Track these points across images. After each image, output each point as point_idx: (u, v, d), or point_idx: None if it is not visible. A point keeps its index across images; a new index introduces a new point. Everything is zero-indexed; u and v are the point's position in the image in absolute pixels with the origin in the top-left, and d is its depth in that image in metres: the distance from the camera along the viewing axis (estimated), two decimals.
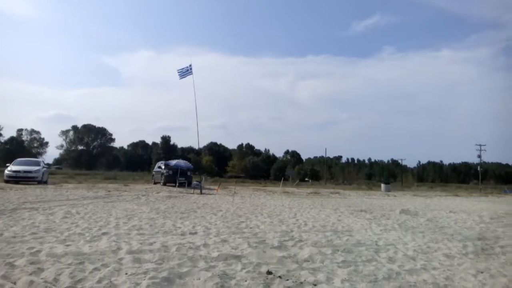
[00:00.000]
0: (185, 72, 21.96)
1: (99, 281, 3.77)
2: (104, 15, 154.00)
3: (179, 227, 7.51)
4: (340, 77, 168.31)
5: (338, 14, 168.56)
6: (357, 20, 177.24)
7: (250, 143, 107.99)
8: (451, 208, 16.08)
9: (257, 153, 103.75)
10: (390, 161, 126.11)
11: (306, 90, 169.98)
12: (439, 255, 5.82)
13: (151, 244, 5.68)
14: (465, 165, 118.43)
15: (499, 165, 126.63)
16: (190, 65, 21.96)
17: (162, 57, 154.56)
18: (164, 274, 4.09)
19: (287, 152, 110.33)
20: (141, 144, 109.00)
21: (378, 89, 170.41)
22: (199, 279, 4.02)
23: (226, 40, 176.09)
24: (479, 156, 64.33)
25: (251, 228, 7.90)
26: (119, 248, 5.25)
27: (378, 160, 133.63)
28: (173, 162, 25.31)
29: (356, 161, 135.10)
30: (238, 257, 5.06)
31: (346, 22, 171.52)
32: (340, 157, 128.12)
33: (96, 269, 4.21)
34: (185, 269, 4.33)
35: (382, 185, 37.78)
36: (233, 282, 3.99)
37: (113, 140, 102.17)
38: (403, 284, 4.19)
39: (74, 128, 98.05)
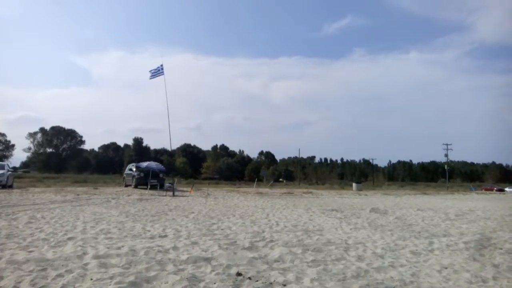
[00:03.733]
0: (156, 72, 21.51)
1: None
2: (73, 13, 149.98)
3: (149, 231, 7.37)
4: (312, 78, 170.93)
5: (310, 15, 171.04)
6: (329, 22, 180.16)
7: (225, 144, 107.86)
8: (419, 206, 16.55)
9: (232, 154, 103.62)
10: (362, 161, 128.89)
11: (280, 91, 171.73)
12: (406, 252, 5.96)
13: (118, 248, 5.55)
14: (433, 164, 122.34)
15: (464, 163, 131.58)
16: (161, 66, 21.49)
17: (133, 57, 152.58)
18: (131, 278, 3.99)
19: (261, 153, 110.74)
20: (113, 146, 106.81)
21: (349, 90, 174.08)
22: (167, 282, 3.95)
23: (198, 40, 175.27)
24: (446, 155, 66.78)
25: (222, 229, 7.85)
26: (85, 253, 5.09)
27: (350, 160, 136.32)
28: (145, 164, 24.81)
29: (329, 161, 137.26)
30: (207, 259, 5.01)
31: (318, 24, 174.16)
32: (314, 157, 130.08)
33: (59, 275, 4.06)
34: (153, 273, 4.24)
35: (354, 185, 38.50)
36: (201, 284, 3.94)
37: (83, 142, 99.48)
38: (371, 281, 4.25)
39: (42, 130, 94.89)
